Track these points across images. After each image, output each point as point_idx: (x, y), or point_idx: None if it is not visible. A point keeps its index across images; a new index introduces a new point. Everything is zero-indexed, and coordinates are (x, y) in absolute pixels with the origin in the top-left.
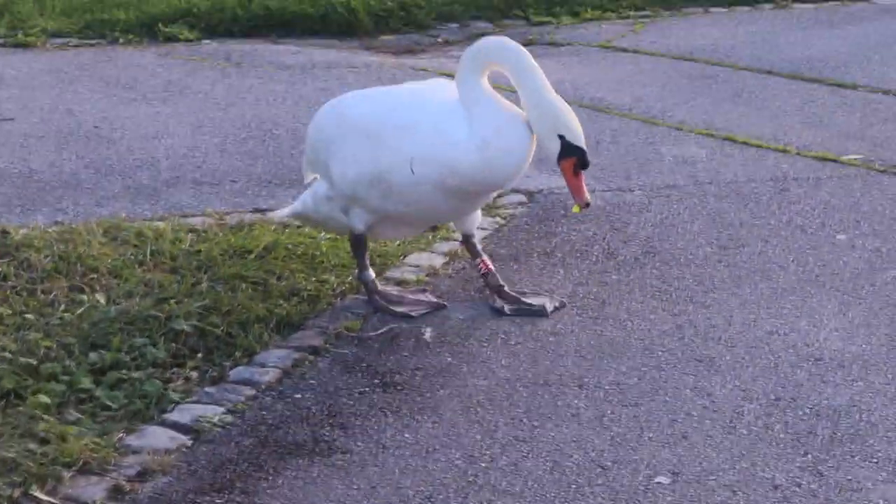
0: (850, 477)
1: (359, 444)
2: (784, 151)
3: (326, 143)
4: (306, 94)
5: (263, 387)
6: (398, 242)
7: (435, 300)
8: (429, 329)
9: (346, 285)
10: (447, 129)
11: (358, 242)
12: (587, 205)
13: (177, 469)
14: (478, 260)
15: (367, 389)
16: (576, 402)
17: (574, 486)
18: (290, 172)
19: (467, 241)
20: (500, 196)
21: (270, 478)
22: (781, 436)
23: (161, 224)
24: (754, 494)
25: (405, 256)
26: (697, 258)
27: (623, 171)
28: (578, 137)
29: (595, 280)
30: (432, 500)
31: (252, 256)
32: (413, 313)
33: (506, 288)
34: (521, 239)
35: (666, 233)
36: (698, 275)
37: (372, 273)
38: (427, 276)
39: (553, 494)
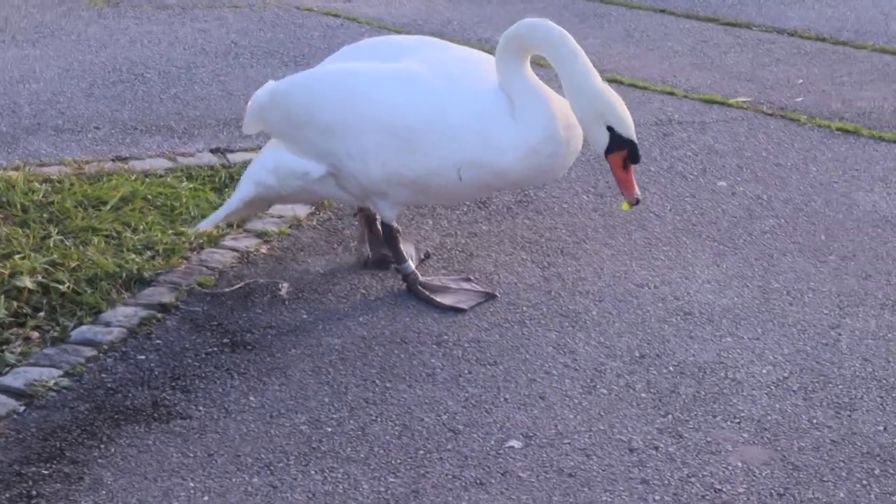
0: (709, 438)
1: (200, 408)
2: (671, 94)
3: (326, 131)
4: (183, 36)
5: (105, 347)
6: None
7: (482, 289)
8: (285, 284)
9: (205, 238)
10: (494, 134)
11: (392, 232)
12: (637, 201)
13: (4, 437)
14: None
15: (214, 350)
16: (432, 360)
17: (422, 452)
18: (157, 118)
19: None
20: None
21: (103, 446)
22: (643, 395)
23: (14, 174)
24: (608, 458)
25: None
26: (572, 207)
27: None
28: (629, 129)
29: (464, 231)
30: (271, 468)
31: (107, 208)
32: (463, 306)
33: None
34: None
35: None
36: (571, 224)
37: (412, 263)
38: (290, 227)
39: (399, 461)
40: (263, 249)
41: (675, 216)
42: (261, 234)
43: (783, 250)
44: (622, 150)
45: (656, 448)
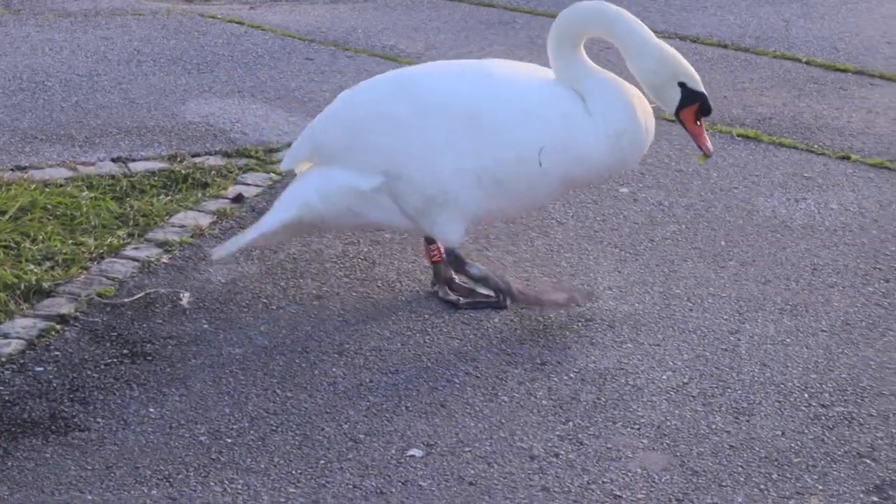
0: (609, 445)
1: (99, 420)
2: None
3: (393, 126)
4: (85, 44)
5: (3, 360)
6: (165, 200)
7: (574, 291)
8: (186, 294)
9: (105, 247)
10: (574, 116)
11: (459, 260)
12: (711, 153)
13: None
14: (432, 246)
15: (114, 361)
16: (334, 370)
17: (322, 462)
18: (58, 127)
19: None
20: (274, 150)
21: (0, 459)
22: (544, 402)
23: None
24: (509, 466)
25: (170, 216)
26: None
27: None
28: (698, 83)
29: (367, 238)
30: (170, 480)
31: (6, 218)
32: (563, 302)
33: (457, 279)
34: None
35: None
36: (474, 232)
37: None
38: (192, 236)
39: (299, 471)
40: (164, 259)
41: (577, 223)
42: (162, 244)
43: (684, 256)
44: (694, 104)
45: (557, 455)
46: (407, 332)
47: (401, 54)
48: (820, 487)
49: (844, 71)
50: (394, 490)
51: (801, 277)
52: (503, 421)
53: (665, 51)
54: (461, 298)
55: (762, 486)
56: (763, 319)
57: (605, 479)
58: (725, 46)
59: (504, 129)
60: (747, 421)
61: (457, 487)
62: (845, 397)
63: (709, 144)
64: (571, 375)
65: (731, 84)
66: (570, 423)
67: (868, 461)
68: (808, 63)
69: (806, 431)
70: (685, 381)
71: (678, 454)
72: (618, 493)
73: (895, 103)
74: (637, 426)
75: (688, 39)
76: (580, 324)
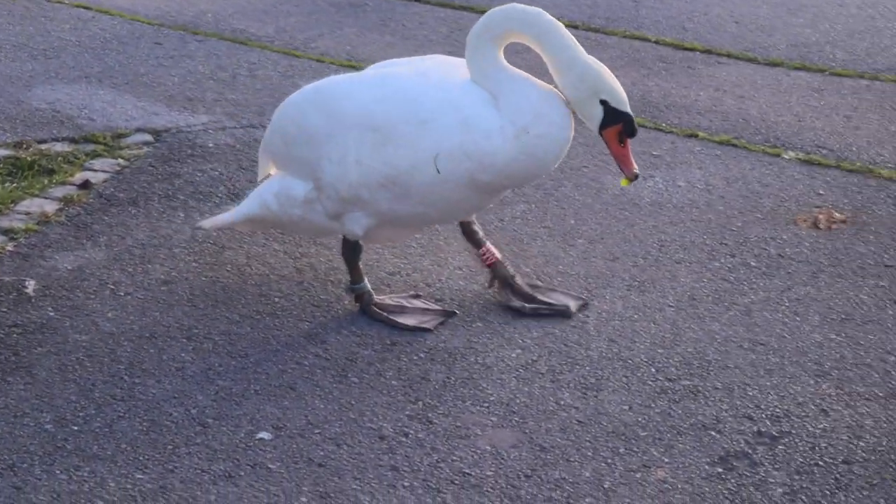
0: (459, 423)
1: None
2: None
3: (309, 140)
4: None
5: None
6: (10, 187)
7: (439, 307)
8: (32, 282)
9: None
10: (475, 118)
11: (353, 250)
12: (636, 176)
13: None
14: (481, 249)
15: None
16: (182, 355)
17: (170, 447)
18: None
19: (467, 227)
20: (122, 136)
21: None
22: (393, 382)
23: None
24: (359, 447)
25: (15, 203)
26: None
27: (257, 107)
28: (623, 102)
29: None
30: (15, 469)
31: None
32: (428, 325)
33: (517, 280)
34: (144, 181)
35: None
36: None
37: (367, 283)
38: (38, 223)
39: (147, 457)
40: (9, 247)
41: None
42: (7, 231)
43: (533, 235)
44: (617, 123)
45: (406, 435)
46: (256, 316)
47: (251, 38)
48: (666, 460)
49: (692, 50)
50: (242, 473)
51: (648, 254)
52: (353, 402)
53: (588, 66)
54: (525, 305)
55: (609, 461)
56: (611, 296)
57: (454, 458)
58: (576, 27)
59: (401, 139)
60: (595, 396)
61: (306, 469)
62: (691, 371)
63: (633, 168)
64: (421, 355)
65: None
66: (420, 403)
67: (713, 433)
68: (657, 42)
69: (652, 405)
70: (534, 358)
71: (526, 431)
72: (467, 471)
73: (742, 81)
74: (486, 404)
75: None
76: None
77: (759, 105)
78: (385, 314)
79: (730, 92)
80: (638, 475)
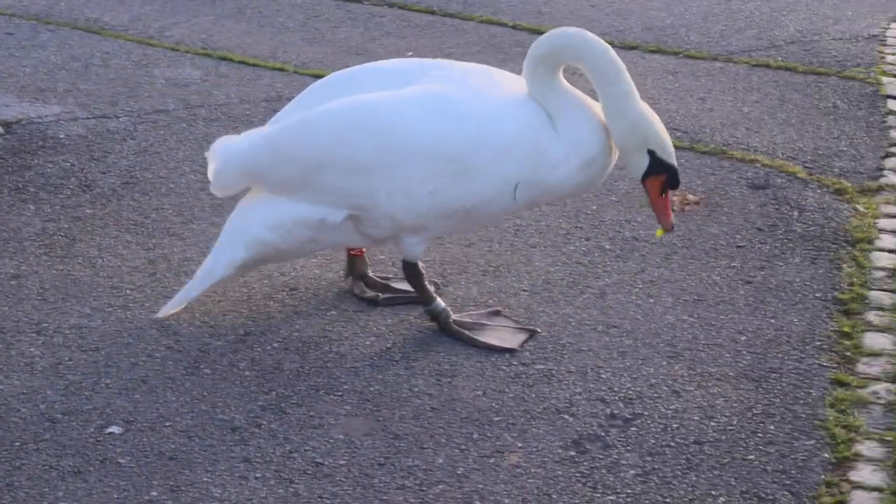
0: (312, 413)
1: None
2: (281, 70)
3: (355, 170)
4: None
5: None
6: None
7: (521, 325)
8: None
9: None
10: (546, 147)
11: (417, 272)
12: (672, 228)
13: None
14: None
15: None
16: (31, 349)
17: (17, 444)
18: None
19: None
20: None
21: None
22: (246, 373)
23: None
24: (210, 439)
25: None
26: (179, 187)
27: (110, 97)
28: (671, 154)
29: (67, 215)
30: None
31: None
32: (511, 345)
33: (370, 274)
34: None
35: (149, 161)
36: (178, 205)
37: (440, 301)
38: None
39: None
40: None
41: None
42: None
43: None
44: (661, 174)
45: (259, 426)
46: (108, 309)
47: (105, 27)
48: (519, 445)
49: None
50: (91, 469)
51: (504, 238)
52: (205, 394)
53: (639, 113)
54: (379, 295)
55: (462, 447)
56: (466, 282)
57: (307, 448)
58: (433, 13)
59: (484, 168)
60: (449, 382)
61: (156, 462)
62: (545, 355)
63: (671, 219)
64: (275, 345)
65: (438, 50)
66: (273, 393)
67: (566, 416)
68: (514, 27)
69: (506, 390)
70: (388, 345)
71: (380, 419)
72: (320, 461)
73: None
74: (340, 393)
75: (395, 6)
76: (284, 293)
77: None
78: (467, 332)
79: None
80: (491, 460)
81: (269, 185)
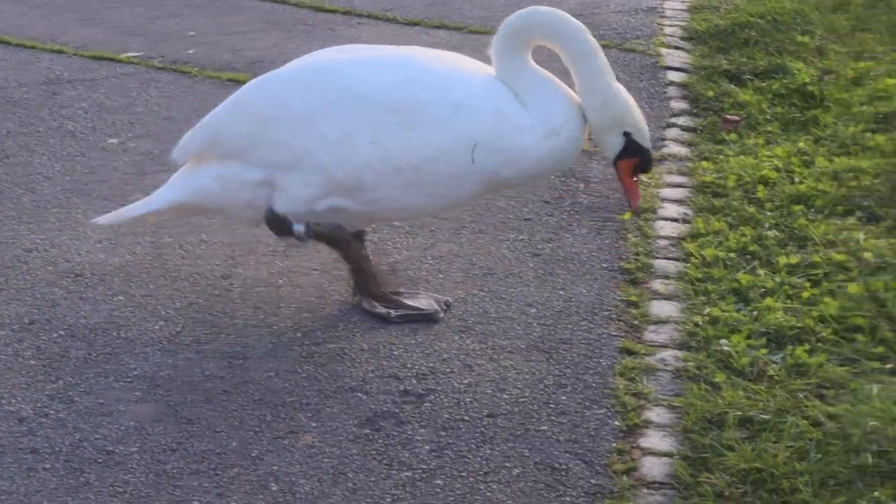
0: (101, 400)
1: None
2: (60, 52)
3: (299, 120)
4: None
5: None
6: None
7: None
8: None
9: None
10: (509, 112)
11: (285, 222)
12: (640, 211)
13: None
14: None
15: None
16: None
17: None
18: None
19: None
20: None
21: None
22: (32, 363)
23: None
24: None
25: None
26: None
27: None
28: (646, 137)
29: None
30: None
31: None
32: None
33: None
34: None
35: None
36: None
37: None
38: None
39: None
40: None
41: (66, 177)
42: None
43: None
44: (634, 157)
45: (46, 415)
46: None
47: None
48: (314, 425)
49: (333, 12)
50: None
51: None
52: None
53: (614, 96)
54: (392, 311)
55: (256, 429)
56: (255, 262)
57: (97, 436)
58: None
59: (433, 123)
60: (241, 364)
61: None
62: (337, 334)
63: (638, 202)
64: (61, 333)
65: (220, 29)
66: (61, 382)
67: (360, 394)
68: (296, 5)
69: (299, 370)
70: (178, 329)
71: (171, 404)
72: (110, 449)
73: (383, 41)
74: (129, 379)
75: None
76: (69, 279)
77: None
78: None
79: None
80: (285, 441)
81: (224, 147)
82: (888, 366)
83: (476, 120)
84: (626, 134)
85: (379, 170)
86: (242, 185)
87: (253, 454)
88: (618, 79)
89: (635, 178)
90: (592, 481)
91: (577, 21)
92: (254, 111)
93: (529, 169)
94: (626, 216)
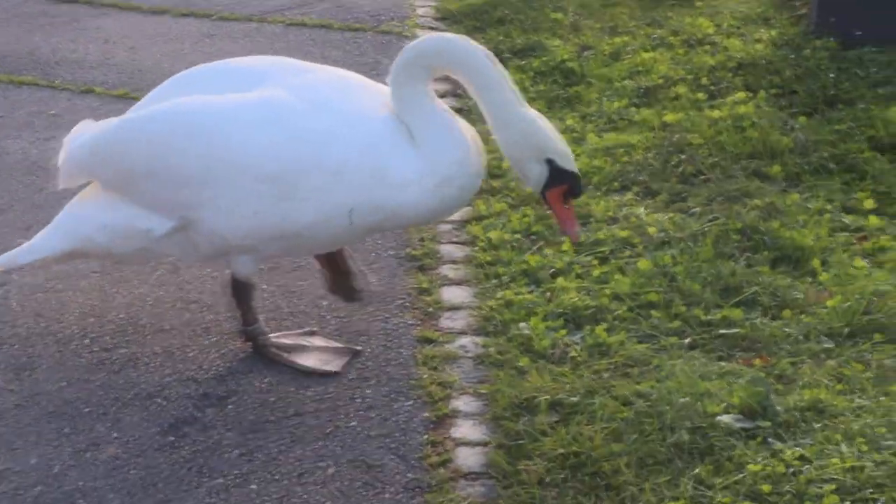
0: None
1: None
2: None
3: (181, 179)
4: None
5: None
6: None
7: (339, 344)
8: None
9: None
10: (391, 169)
11: (246, 289)
12: (579, 240)
13: None
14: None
15: None
16: None
17: None
18: None
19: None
20: None
21: None
22: None
23: None
24: None
25: None
26: None
27: None
28: (570, 160)
29: None
30: None
31: None
32: (332, 368)
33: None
34: None
35: None
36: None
37: (262, 323)
38: None
39: None
40: None
41: None
42: None
43: None
44: (562, 184)
45: None
46: None
47: None
48: (115, 435)
49: (75, 3)
50: None
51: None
52: None
53: (532, 123)
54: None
55: (55, 443)
56: (31, 268)
57: None
58: None
59: (309, 193)
60: (29, 376)
61: None
62: (127, 338)
63: (576, 229)
64: None
65: None
66: None
67: (159, 400)
68: None
69: (91, 378)
70: None
71: None
72: None
73: (131, 32)
74: None
75: None
76: None
77: (153, 55)
78: (284, 355)
79: (120, 43)
80: (88, 455)
81: (102, 184)
82: (686, 340)
83: (354, 184)
84: (549, 161)
85: (263, 237)
86: (134, 233)
87: (55, 471)
88: (378, 62)
89: (567, 206)
90: (409, 475)
91: (482, 48)
92: (126, 167)
93: (416, 218)
94: (565, 247)
